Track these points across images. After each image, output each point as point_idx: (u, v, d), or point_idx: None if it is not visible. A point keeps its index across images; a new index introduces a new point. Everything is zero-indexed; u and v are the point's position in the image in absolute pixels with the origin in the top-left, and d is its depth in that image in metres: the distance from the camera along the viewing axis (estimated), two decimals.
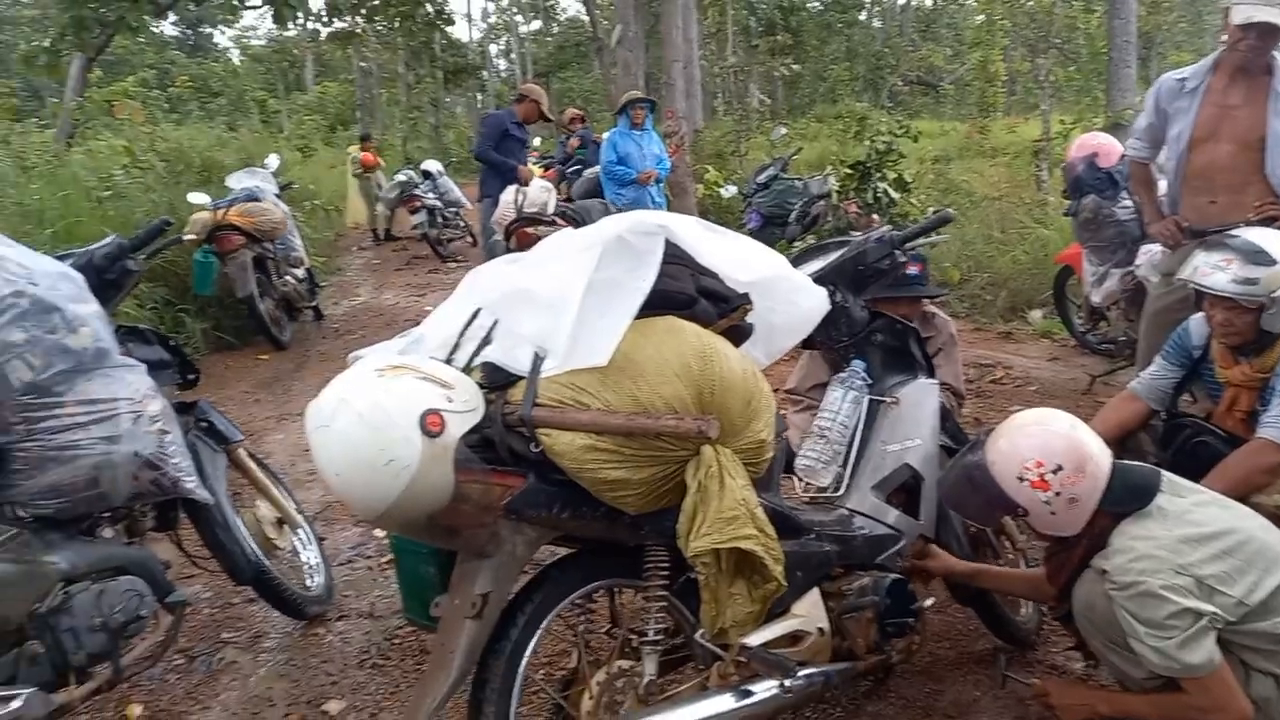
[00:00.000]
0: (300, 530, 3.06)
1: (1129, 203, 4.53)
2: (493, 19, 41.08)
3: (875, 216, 6.71)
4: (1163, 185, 3.54)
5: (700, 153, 12.38)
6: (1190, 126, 3.20)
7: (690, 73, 13.55)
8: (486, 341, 1.78)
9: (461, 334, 1.83)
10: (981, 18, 13.89)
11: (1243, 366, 2.62)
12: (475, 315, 1.84)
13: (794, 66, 18.19)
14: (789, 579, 1.94)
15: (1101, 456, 1.95)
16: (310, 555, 3.07)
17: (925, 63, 24.72)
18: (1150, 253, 4.09)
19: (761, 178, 7.70)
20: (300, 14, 12.52)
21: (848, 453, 2.36)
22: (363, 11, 19.31)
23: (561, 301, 1.70)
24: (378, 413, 1.55)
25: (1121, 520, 1.91)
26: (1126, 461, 2.07)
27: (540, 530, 1.76)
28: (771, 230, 7.26)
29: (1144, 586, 1.80)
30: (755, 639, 1.87)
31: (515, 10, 39.15)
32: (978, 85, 16.38)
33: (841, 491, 2.33)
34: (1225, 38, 3.12)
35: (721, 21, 19.98)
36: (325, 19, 20.54)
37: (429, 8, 21.44)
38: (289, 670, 2.70)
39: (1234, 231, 2.64)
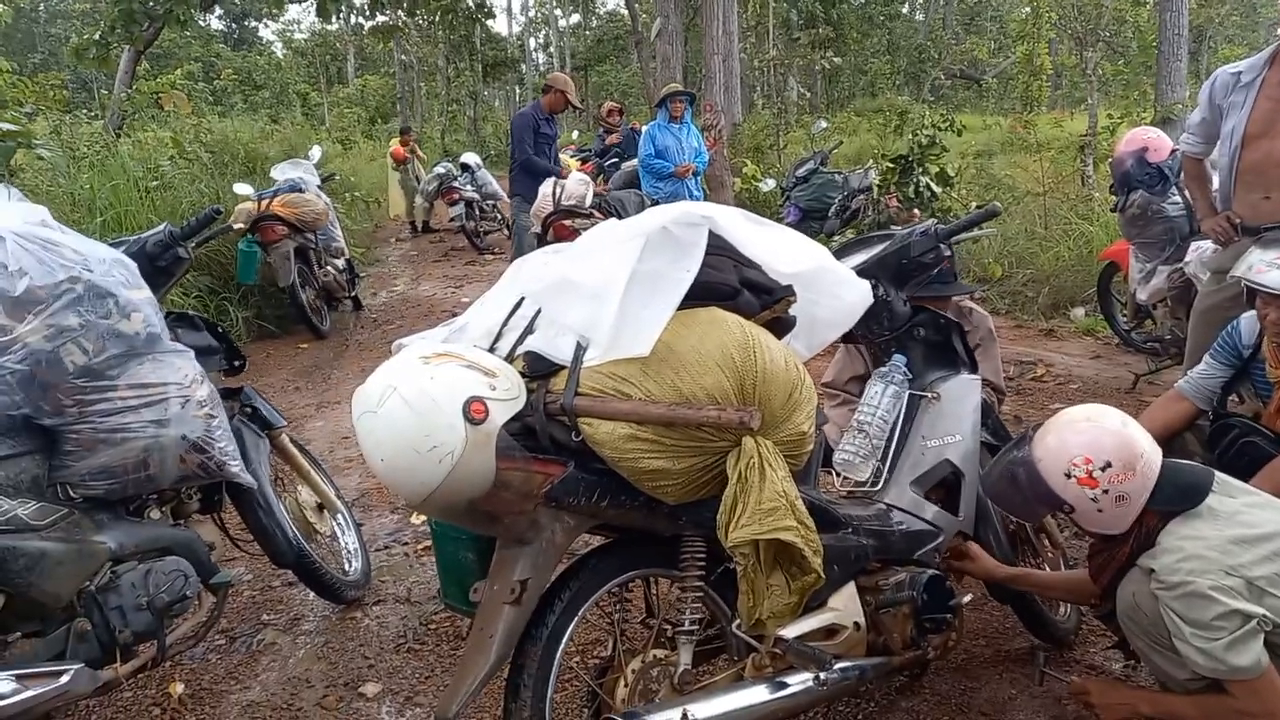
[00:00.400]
0: (339, 515, 3.11)
1: (1178, 199, 4.44)
2: (532, 12, 41.16)
3: (916, 211, 6.64)
4: (1215, 181, 3.47)
5: (738, 146, 12.34)
6: (1245, 121, 3.12)
7: (730, 66, 13.50)
8: (529, 331, 1.79)
9: (505, 323, 1.84)
10: (1027, 10, 13.62)
11: None
12: (519, 304, 1.85)
13: (834, 60, 18.01)
14: (826, 572, 1.94)
15: (1152, 454, 1.91)
16: (349, 540, 3.12)
17: (968, 56, 24.34)
18: (1200, 249, 4.01)
19: (800, 171, 7.65)
20: (343, 8, 12.67)
21: (887, 447, 2.34)
22: (404, 5, 19.47)
23: (605, 292, 1.71)
24: (423, 399, 1.57)
25: (1170, 520, 1.88)
26: (1177, 461, 2.03)
27: (579, 518, 1.76)
28: (810, 224, 7.21)
29: (1192, 587, 1.77)
30: (791, 631, 1.87)
31: (555, 4, 39.25)
32: (1022, 79, 16.09)
33: (880, 486, 2.32)
34: None
35: (762, 15, 19.85)
36: (368, 13, 20.75)
37: (470, 2, 21.59)
38: (327, 653, 2.74)
39: None
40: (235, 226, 6.06)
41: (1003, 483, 2.03)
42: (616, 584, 1.89)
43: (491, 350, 1.79)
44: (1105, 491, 1.86)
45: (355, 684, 2.59)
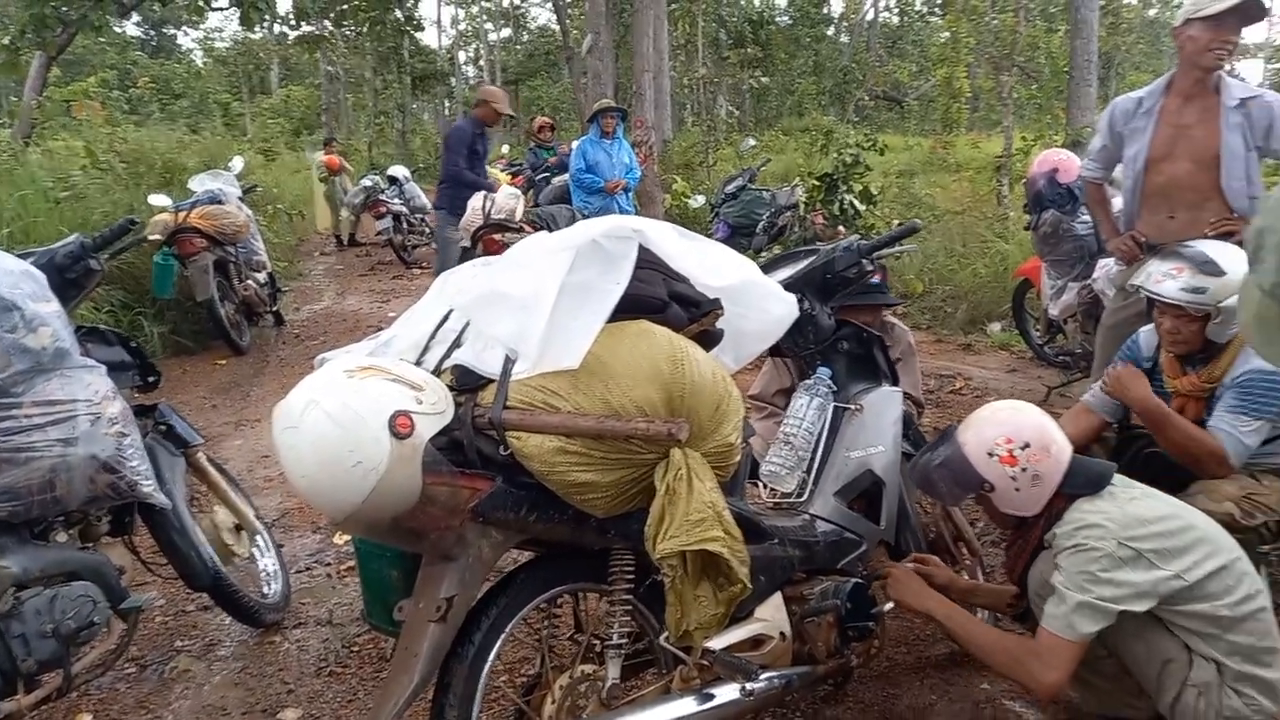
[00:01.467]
0: (258, 537, 3.02)
1: (1087, 218, 4.63)
2: (462, 26, 40.96)
3: (841, 228, 6.79)
4: (1118, 202, 3.63)
5: (669, 163, 12.46)
6: (1147, 146, 3.28)
7: (660, 83, 13.63)
8: (457, 344, 1.78)
9: (432, 336, 1.83)
10: (947, 35, 14.13)
11: (1190, 377, 2.69)
12: (446, 317, 1.84)
13: (762, 79, 18.37)
14: (753, 583, 1.96)
15: (1065, 442, 2.07)
16: (268, 562, 3.03)
17: (891, 78, 25.06)
18: (1107, 267, 4.19)
19: (729, 188, 7.76)
20: (267, 16, 12.40)
21: (812, 459, 2.38)
22: (331, 16, 19.19)
23: (534, 304, 1.71)
24: (347, 413, 1.54)
25: (1077, 500, 2.01)
26: (1084, 456, 2.16)
27: (507, 533, 1.75)
28: (739, 240, 7.31)
29: (1086, 546, 1.91)
30: (718, 643, 1.88)
31: (485, 18, 39.10)
32: (942, 101, 16.62)
33: (805, 497, 2.35)
34: (1187, 51, 3.17)
35: (691, 33, 20.11)
36: (292, 22, 20.39)
37: (398, 13, 21.39)
38: (244, 679, 2.66)
39: (1188, 242, 2.71)
40: (149, 238, 5.88)
41: (929, 467, 2.14)
42: (544, 599, 1.88)
43: (418, 364, 1.77)
44: (1024, 470, 2.01)
45: (274, 710, 2.51)
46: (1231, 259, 2.58)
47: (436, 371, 1.74)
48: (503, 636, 1.78)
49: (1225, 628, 1.92)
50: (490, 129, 7.05)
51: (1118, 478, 2.07)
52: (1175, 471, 2.60)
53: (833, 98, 26.33)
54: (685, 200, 9.53)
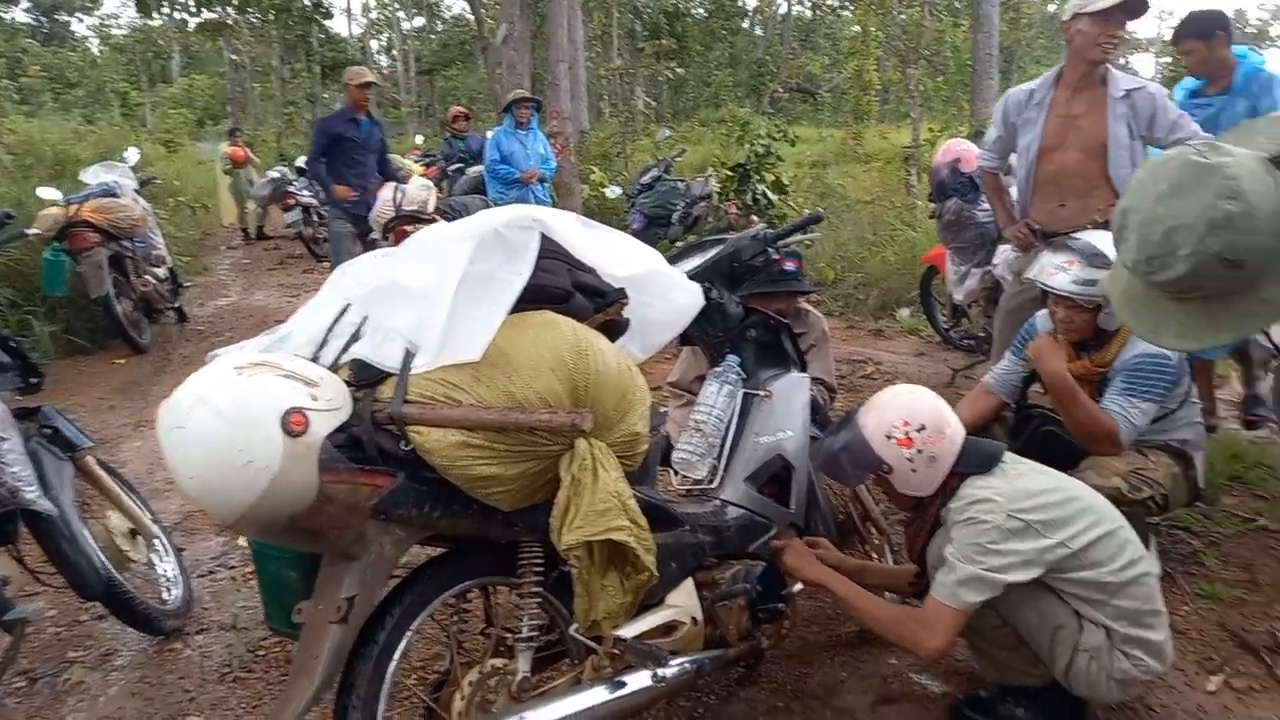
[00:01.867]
0: (156, 541, 2.91)
1: (988, 206, 4.78)
2: (374, 14, 40.02)
3: (754, 217, 6.87)
4: (1014, 191, 3.75)
5: (586, 154, 12.39)
6: (1039, 136, 3.40)
7: (575, 74, 13.54)
8: (355, 338, 1.74)
9: (329, 330, 1.77)
10: (857, 29, 14.41)
11: (1083, 361, 2.80)
12: (344, 311, 1.79)
13: (678, 70, 18.43)
14: (663, 570, 1.97)
15: (958, 423, 2.15)
16: (167, 567, 2.92)
17: (804, 71, 25.40)
18: (1006, 253, 4.33)
19: (645, 179, 7.77)
20: (165, 3, 11.89)
21: (723, 445, 2.40)
22: (234, 2, 18.51)
23: (434, 296, 1.68)
24: (236, 412, 1.49)
25: (969, 478, 2.09)
26: (975, 437, 2.24)
27: (410, 530, 1.72)
28: (655, 230, 7.33)
29: (977, 520, 1.99)
30: (629, 631, 1.88)
31: (397, 6, 38.28)
32: (853, 93, 16.97)
33: (716, 483, 2.37)
34: (1076, 44, 3.29)
35: (607, 24, 20.05)
36: (193, 9, 19.56)
37: (306, 0, 20.74)
38: (142, 688, 2.55)
39: (1077, 235, 2.82)
40: (31, 233, 5.59)
41: (831, 451, 2.19)
42: (452, 595, 1.85)
43: (315, 359, 1.72)
44: (920, 451, 2.07)
45: (174, 719, 2.42)
46: None
47: (334, 367, 1.69)
48: (408, 634, 1.75)
49: (1111, 593, 2.01)
50: (360, 112, 6.64)
51: (1008, 455, 2.15)
52: (1068, 450, 2.71)
53: (749, 89, 26.61)
54: (603, 191, 9.50)
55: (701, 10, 28.05)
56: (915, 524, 2.22)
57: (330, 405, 1.59)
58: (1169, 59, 17.36)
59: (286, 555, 1.77)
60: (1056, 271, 2.70)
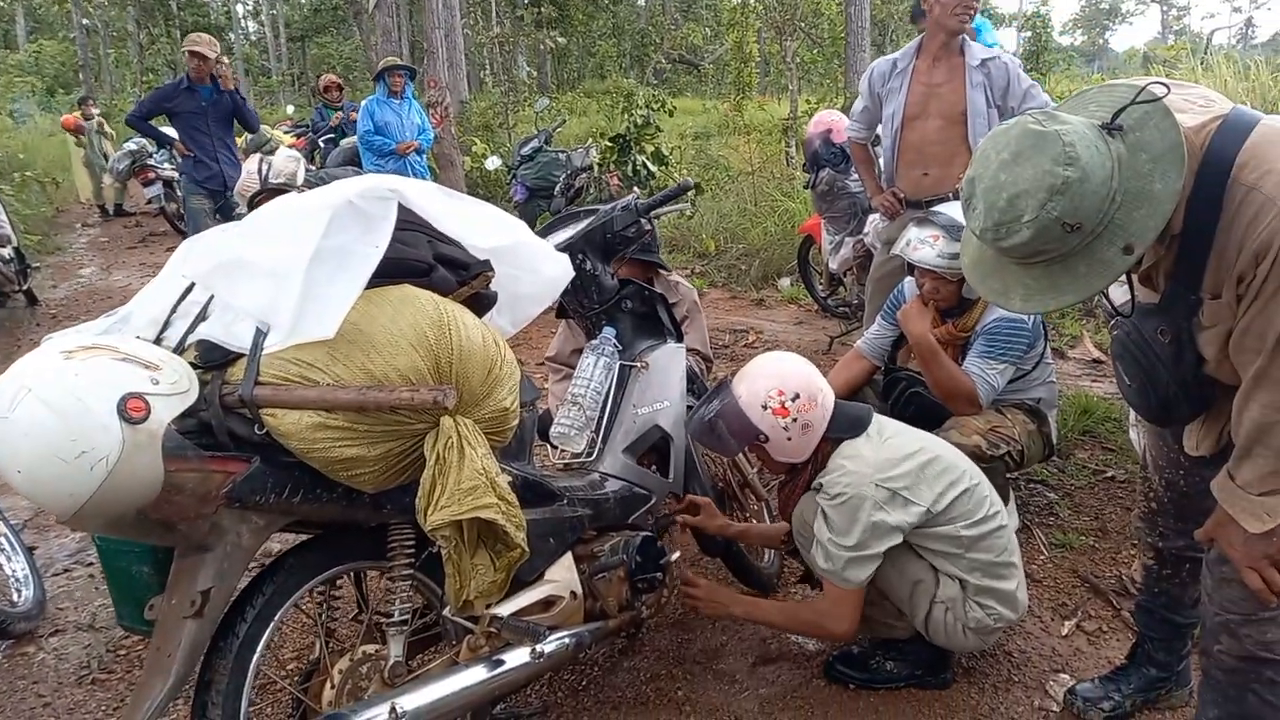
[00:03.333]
0: (4, 540, 2.72)
1: (859, 176, 4.91)
2: None
3: (636, 189, 6.85)
4: (881, 161, 3.86)
5: (467, 124, 12.12)
6: (902, 105, 3.50)
7: (453, 41, 13.18)
8: (202, 317, 1.64)
9: (173, 310, 1.68)
10: (736, 1, 14.51)
11: (947, 326, 2.92)
12: (189, 290, 1.69)
13: (560, 40, 18.14)
14: (541, 545, 1.96)
15: (829, 391, 2.20)
16: (17, 567, 2.74)
17: (687, 42, 25.48)
18: (875, 222, 4.46)
19: (525, 150, 7.64)
20: None
21: (601, 417, 2.40)
22: None
23: (285, 271, 1.59)
24: (66, 400, 1.38)
25: (841, 444, 2.15)
26: (845, 401, 2.31)
27: (269, 517, 1.64)
28: (537, 202, 7.23)
29: (848, 496, 2.06)
30: (506, 609, 1.86)
31: None
32: (734, 65, 17.12)
33: (595, 456, 2.36)
34: (935, 14, 3.39)
35: None
36: None
37: None
38: None
39: (940, 208, 2.92)
40: None
41: (707, 422, 2.21)
42: (319, 582, 1.79)
43: (158, 341, 1.62)
44: (794, 419, 2.12)
45: None
46: None
47: (179, 349, 1.60)
48: (271, 626, 1.68)
49: (966, 546, 2.11)
50: (200, 81, 6.30)
51: (876, 418, 2.22)
52: (934, 410, 2.82)
53: (633, 60, 26.52)
54: (483, 162, 9.32)
55: None
56: (788, 487, 2.28)
57: (174, 389, 1.50)
58: (1029, 33, 18.15)
59: (136, 549, 1.67)
60: (922, 246, 2.79)
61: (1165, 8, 51.94)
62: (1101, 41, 55.98)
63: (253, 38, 36.49)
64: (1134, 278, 1.71)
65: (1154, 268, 1.62)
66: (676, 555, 2.26)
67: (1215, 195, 1.46)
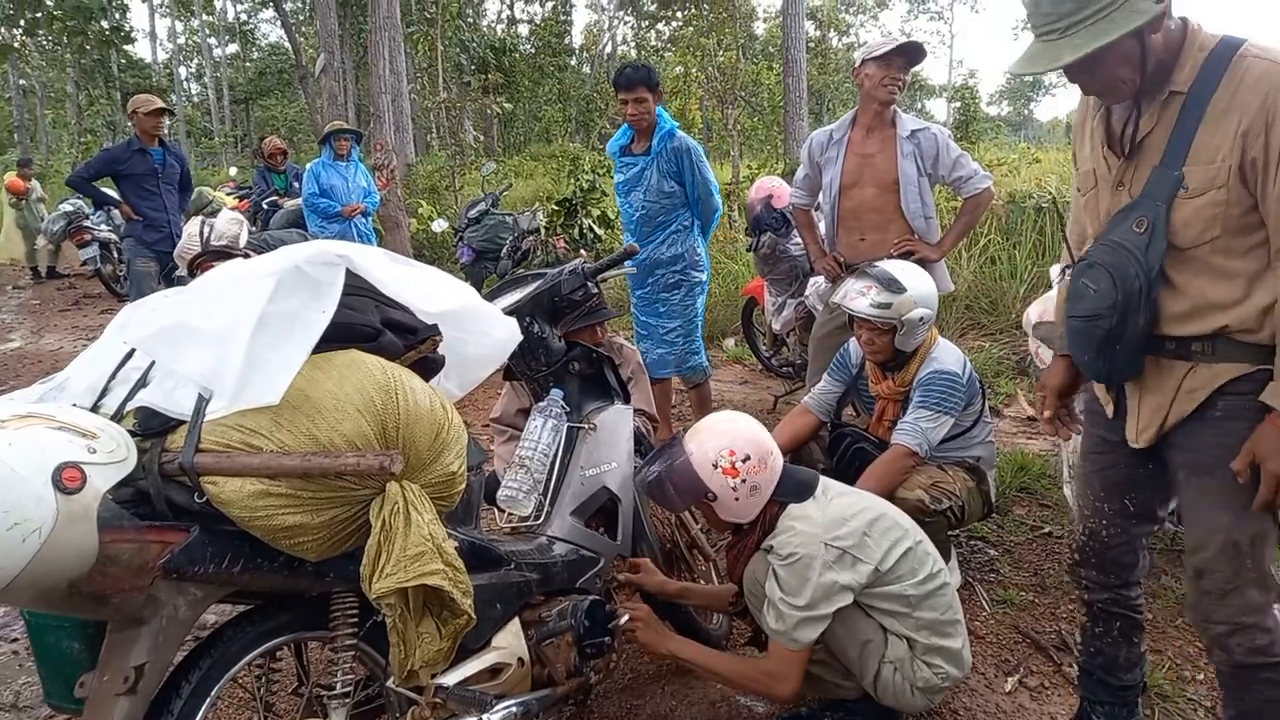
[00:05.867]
0: None
1: (800, 240, 5.04)
2: (181, 39, 37.92)
3: (584, 251, 6.94)
4: (823, 226, 3.99)
5: (413, 187, 12.18)
6: (839, 174, 3.64)
7: (400, 105, 13.33)
8: (142, 384, 1.62)
9: (112, 377, 1.65)
10: (680, 69, 14.93)
11: (888, 381, 3.00)
12: (129, 356, 1.67)
13: (506, 105, 18.44)
14: (488, 612, 1.94)
15: (778, 454, 2.23)
16: None
17: None
18: (817, 284, 4.58)
19: (472, 213, 7.69)
20: None
21: (548, 480, 2.39)
22: (22, 24, 17.05)
23: (229, 337, 1.58)
24: (0, 469, 1.35)
25: (788, 507, 2.18)
26: (793, 465, 2.34)
27: (208, 588, 1.60)
28: (484, 265, 7.27)
29: (798, 556, 2.08)
30: (451, 678, 1.83)
31: (208, 32, 36.43)
32: None
33: (542, 519, 2.35)
34: (865, 87, 3.55)
35: (432, 57, 19.83)
36: None
37: (103, 24, 19.38)
38: None
39: (877, 263, 3.02)
40: None
41: (658, 478, 2.22)
42: (259, 654, 1.74)
43: (95, 408, 1.59)
44: (744, 481, 2.13)
45: None
46: (912, 277, 2.90)
47: (117, 416, 1.57)
48: (208, 701, 1.62)
49: (913, 605, 2.14)
50: (151, 142, 6.26)
51: (821, 479, 2.25)
52: None
53: (578, 125, 26.96)
54: (429, 224, 9.34)
55: (529, 46, 28.31)
56: (736, 548, 2.29)
57: (112, 458, 1.47)
58: (959, 104, 18.95)
59: (66, 624, 1.61)
60: (857, 296, 2.88)
61: None
62: (1027, 111, 58.69)
63: (195, 99, 36.35)
64: (1106, 199, 1.84)
65: (1139, 150, 1.75)
66: (626, 619, 2.24)
67: (1221, 66, 1.63)
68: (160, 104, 6.22)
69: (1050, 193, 7.26)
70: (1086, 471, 2.08)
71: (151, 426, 1.55)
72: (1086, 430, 2.09)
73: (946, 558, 2.86)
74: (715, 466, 2.14)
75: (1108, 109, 1.83)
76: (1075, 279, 1.86)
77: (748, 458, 2.14)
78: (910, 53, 3.47)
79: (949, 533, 2.92)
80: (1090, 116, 1.92)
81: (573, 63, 32.54)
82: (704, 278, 4.39)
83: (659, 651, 2.25)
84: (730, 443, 2.16)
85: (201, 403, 1.55)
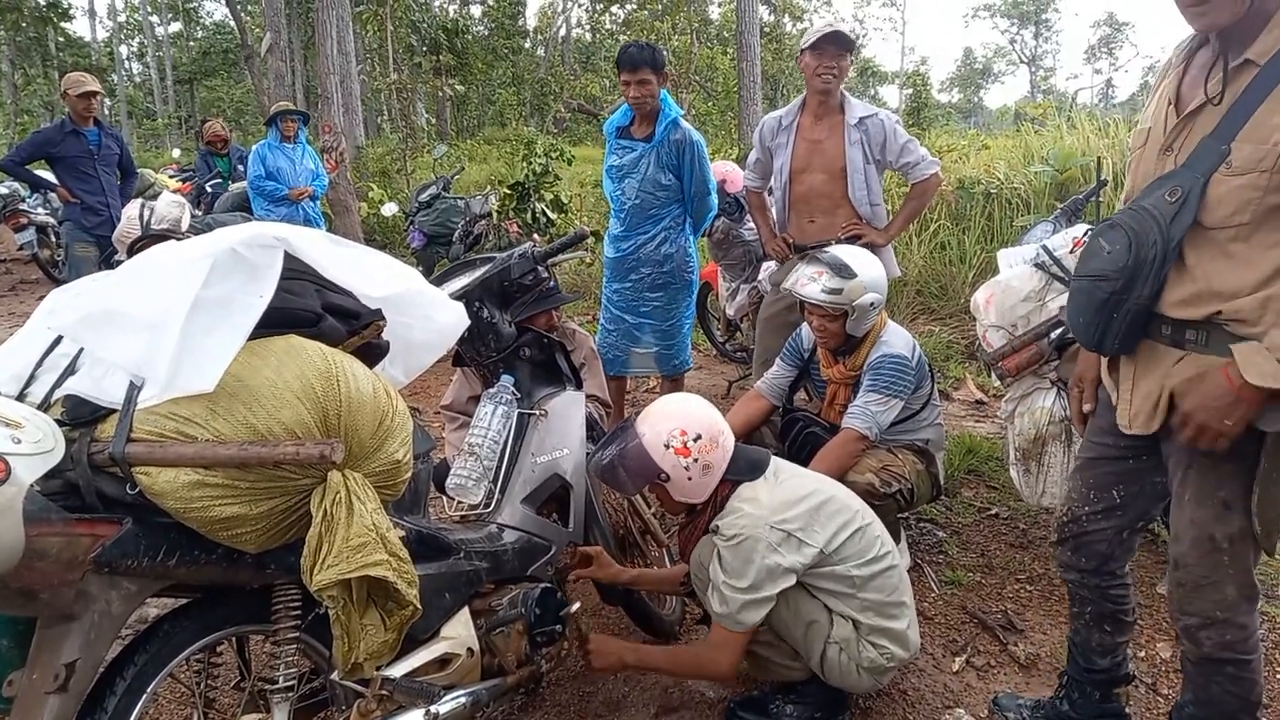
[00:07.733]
0: None
1: (753, 225, 5.04)
2: (123, 18, 36.78)
3: (536, 236, 6.87)
4: (775, 210, 3.99)
5: (363, 170, 11.98)
6: (789, 160, 3.65)
7: (349, 87, 13.08)
8: (70, 371, 1.56)
9: (38, 365, 1.58)
10: None
11: (839, 366, 3.02)
12: (56, 342, 1.61)
13: (459, 87, 18.20)
14: (436, 601, 1.91)
15: (729, 433, 2.23)
16: None
17: (586, 92, 25.87)
18: (769, 268, 4.58)
19: (423, 196, 7.56)
20: None
21: (499, 467, 2.36)
22: None
23: (162, 322, 1.52)
24: None
25: (739, 487, 2.18)
26: (745, 445, 2.34)
27: (142, 582, 1.55)
28: (435, 249, 7.15)
29: (743, 538, 2.09)
30: (398, 669, 1.80)
31: (150, 9, 35.38)
32: None
33: (493, 507, 2.33)
34: (807, 75, 3.57)
35: (382, 37, 19.48)
36: None
37: (39, 1, 18.76)
38: None
39: (828, 248, 3.03)
40: None
41: (610, 460, 2.21)
42: (198, 649, 1.69)
43: (21, 397, 1.53)
44: (695, 460, 2.13)
45: None
46: (862, 262, 2.91)
47: (44, 405, 1.51)
48: (144, 699, 1.58)
49: (858, 587, 2.16)
50: (85, 123, 6.03)
51: (773, 459, 2.26)
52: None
53: (532, 108, 26.75)
54: (379, 208, 9.19)
55: (482, 28, 27.96)
56: (687, 529, 2.29)
57: (38, 448, 1.41)
58: (910, 90, 19.14)
59: None
60: (808, 282, 2.89)
61: (1034, 69, 55.64)
62: (976, 99, 59.53)
63: (137, 79, 35.34)
64: (1150, 162, 1.78)
65: (1195, 116, 1.68)
66: (577, 606, 2.22)
67: None
68: (91, 86, 6.00)
69: (999, 179, 7.36)
70: (1084, 457, 2.06)
71: (80, 415, 1.49)
72: (1093, 418, 2.06)
73: (896, 540, 2.89)
74: (668, 447, 2.14)
75: (1184, 68, 1.75)
76: (1094, 237, 1.80)
77: (699, 437, 2.15)
78: (839, 40, 3.49)
79: (899, 515, 2.96)
80: (1168, 74, 1.83)
81: (527, 45, 32.21)
82: (693, 278, 4.27)
83: (616, 668, 2.25)
84: (682, 423, 2.17)
85: (133, 390, 1.50)
